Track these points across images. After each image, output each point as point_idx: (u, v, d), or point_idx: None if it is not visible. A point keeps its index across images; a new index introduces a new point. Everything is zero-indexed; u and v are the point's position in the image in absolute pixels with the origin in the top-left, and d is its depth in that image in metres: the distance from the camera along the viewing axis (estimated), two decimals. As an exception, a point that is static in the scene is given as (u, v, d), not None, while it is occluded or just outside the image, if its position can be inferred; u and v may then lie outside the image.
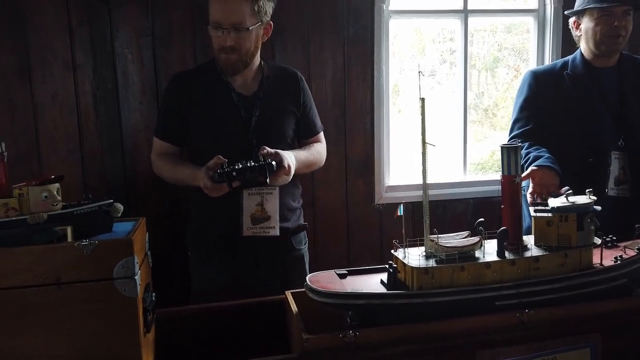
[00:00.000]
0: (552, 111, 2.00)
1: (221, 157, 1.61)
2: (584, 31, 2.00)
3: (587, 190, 1.38)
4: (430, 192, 2.66)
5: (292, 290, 1.42)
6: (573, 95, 1.98)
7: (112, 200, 1.22)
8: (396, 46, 2.67)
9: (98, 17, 2.22)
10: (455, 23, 2.67)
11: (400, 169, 2.72)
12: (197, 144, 1.85)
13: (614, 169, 1.91)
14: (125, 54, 2.27)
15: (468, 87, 2.70)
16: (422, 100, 1.34)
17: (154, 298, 1.25)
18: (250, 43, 1.76)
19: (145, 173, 2.30)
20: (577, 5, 2.01)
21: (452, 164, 2.77)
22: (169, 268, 2.20)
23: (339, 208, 2.56)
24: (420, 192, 2.67)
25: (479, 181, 2.72)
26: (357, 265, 2.55)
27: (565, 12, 2.09)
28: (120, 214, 1.22)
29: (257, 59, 1.86)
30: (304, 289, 1.31)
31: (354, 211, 2.57)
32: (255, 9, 1.73)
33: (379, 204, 2.59)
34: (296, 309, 1.32)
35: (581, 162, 1.96)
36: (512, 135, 2.05)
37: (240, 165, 1.57)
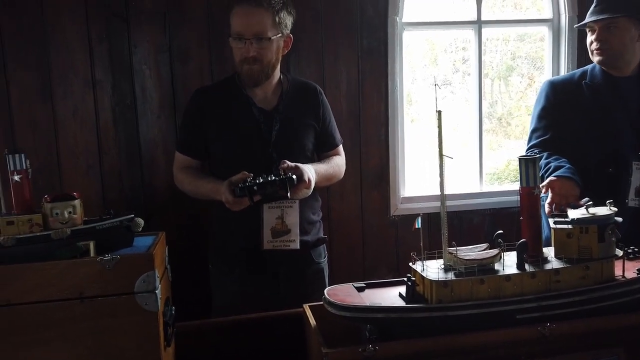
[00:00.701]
0: (570, 121, 1.99)
1: (246, 172, 1.63)
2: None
3: (607, 201, 1.37)
4: (447, 203, 2.66)
5: (310, 304, 1.42)
6: (592, 105, 1.97)
7: (133, 215, 1.24)
8: (408, 55, 2.69)
9: (117, 33, 2.28)
10: (469, 34, 2.67)
11: (415, 179, 2.72)
12: (219, 158, 1.87)
13: (635, 179, 1.89)
14: (144, 69, 2.32)
15: (482, 97, 2.70)
16: (439, 112, 1.34)
17: (173, 312, 1.26)
18: (272, 54, 1.79)
19: (164, 187, 2.33)
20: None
21: (468, 175, 2.75)
22: (189, 281, 2.22)
23: (355, 219, 2.56)
24: (437, 203, 2.68)
25: (496, 192, 2.70)
26: (373, 276, 2.56)
27: (575, 26, 2.11)
28: (140, 229, 1.23)
29: (278, 72, 1.88)
30: (322, 302, 1.31)
31: (369, 223, 2.57)
32: (277, 20, 1.76)
33: (394, 216, 2.58)
34: (315, 322, 1.32)
35: (601, 173, 1.93)
36: (530, 145, 2.04)
37: (262, 180, 1.58)
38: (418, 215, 1.41)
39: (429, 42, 3.01)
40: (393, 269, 2.60)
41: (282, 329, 1.49)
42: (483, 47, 2.66)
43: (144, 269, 1.10)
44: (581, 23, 2.04)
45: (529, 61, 3.08)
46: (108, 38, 2.27)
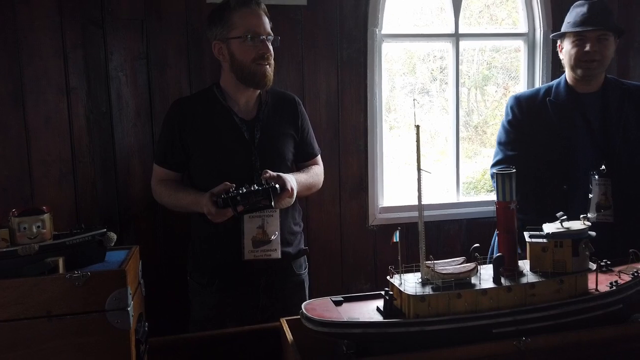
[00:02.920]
0: (534, 137, 2.02)
1: (228, 183, 1.61)
2: (564, 54, 2.03)
3: (581, 215, 1.39)
4: (425, 213, 2.68)
5: (287, 318, 1.41)
6: (555, 122, 1.99)
7: (105, 230, 1.20)
8: (387, 64, 2.71)
9: (93, 40, 2.23)
10: (447, 46, 2.71)
11: (394, 188, 2.73)
12: (200, 169, 1.84)
13: (595, 194, 1.91)
14: (120, 76, 2.27)
15: (459, 108, 2.73)
16: (417, 127, 1.34)
17: (146, 328, 1.23)
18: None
19: (140, 197, 2.29)
20: (558, 33, 2.06)
21: (445, 185, 2.78)
22: (166, 294, 2.19)
23: (333, 229, 2.55)
24: (415, 213, 2.68)
25: (472, 202, 2.73)
26: (352, 287, 2.55)
27: (551, 36, 2.13)
28: (113, 244, 1.20)
29: None
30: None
31: (348, 232, 2.56)
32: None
33: (373, 225, 2.58)
34: (292, 337, 1.30)
35: (560, 189, 1.96)
36: (497, 159, 2.08)
37: (245, 190, 1.57)
38: (397, 228, 1.41)
39: (406, 51, 3.03)
40: (371, 279, 2.60)
41: (260, 343, 1.47)
42: (460, 57, 2.69)
43: (116, 285, 1.07)
44: (578, 30, 1.96)
45: (504, 71, 3.13)
46: (83, 44, 2.23)
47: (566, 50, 2.01)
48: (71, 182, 2.25)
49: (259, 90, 1.86)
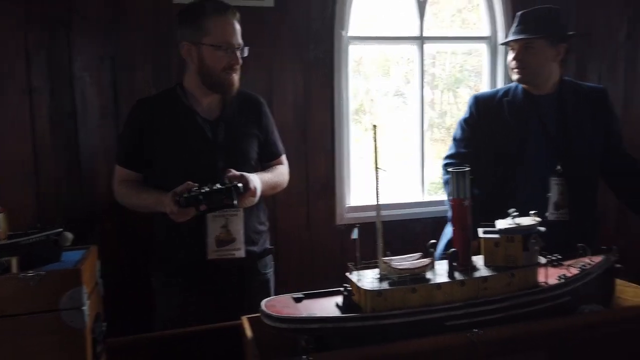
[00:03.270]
0: (490, 136, 2.09)
1: (191, 182, 1.61)
2: None
3: (531, 212, 1.44)
4: (390, 212, 2.74)
5: (248, 316, 1.42)
6: (511, 122, 2.06)
7: (61, 230, 1.20)
8: (362, 66, 2.75)
9: (57, 40, 2.21)
10: (413, 49, 2.76)
11: (364, 188, 2.77)
12: (163, 170, 1.83)
13: (554, 194, 1.99)
14: (84, 77, 2.26)
15: (431, 107, 2.79)
16: (374, 127, 1.38)
17: (104, 328, 1.23)
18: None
19: (104, 198, 2.27)
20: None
21: (413, 184, 2.83)
22: (130, 294, 2.17)
23: (301, 229, 2.58)
24: (382, 212, 2.73)
25: (437, 201, 2.79)
26: (320, 286, 2.57)
27: (500, 44, 2.22)
28: (69, 243, 1.20)
29: None
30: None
31: (315, 232, 2.59)
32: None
33: (340, 225, 2.62)
34: (251, 334, 1.32)
35: (510, 187, 2.03)
36: (448, 154, 2.15)
37: (207, 189, 1.57)
38: (355, 226, 1.44)
39: (382, 53, 3.08)
40: (340, 278, 2.62)
41: (222, 342, 1.48)
42: (432, 60, 2.76)
43: (71, 285, 1.07)
44: (503, 42, 2.17)
45: (475, 74, 3.21)
46: (47, 44, 2.20)
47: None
48: (34, 183, 2.22)
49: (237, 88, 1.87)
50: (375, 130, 1.38)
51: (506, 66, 2.74)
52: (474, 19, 3.04)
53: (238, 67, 1.81)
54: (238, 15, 1.81)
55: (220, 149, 1.81)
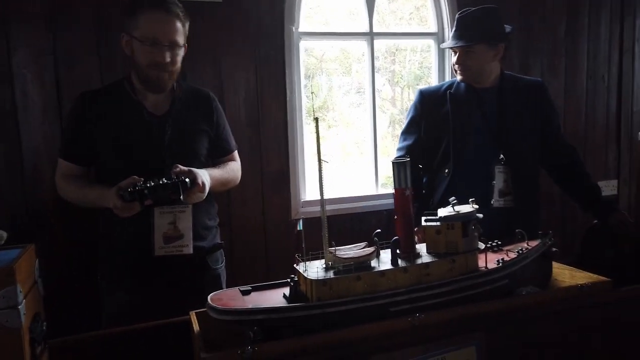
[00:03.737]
0: (435, 129, 2.16)
1: (136, 177, 1.59)
2: None
3: (470, 199, 1.50)
4: (345, 205, 2.77)
5: (196, 310, 1.42)
6: (455, 115, 2.14)
7: (-5, 228, 1.16)
8: (324, 63, 2.78)
9: (-7, 35, 2.13)
10: (363, 45, 2.80)
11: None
12: (108, 165, 1.80)
13: (498, 181, 2.07)
14: (24, 73, 2.18)
15: (392, 104, 2.84)
16: (316, 119, 1.40)
17: (44, 327, 1.20)
18: (180, 61, 1.78)
19: (49, 198, 2.20)
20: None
21: (368, 178, 2.88)
22: (74, 294, 2.12)
23: (256, 224, 2.58)
24: (337, 205, 2.77)
25: (390, 193, 2.83)
26: (275, 280, 2.58)
27: (441, 46, 2.28)
28: (3, 242, 1.16)
29: None
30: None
31: (271, 227, 2.60)
32: (184, 29, 1.77)
33: (295, 219, 2.63)
34: (198, 328, 1.32)
35: (451, 176, 2.11)
36: (398, 147, 2.22)
37: (153, 183, 1.55)
38: (300, 218, 1.46)
39: (343, 51, 3.11)
40: (294, 271, 2.64)
41: (170, 338, 1.47)
42: (393, 57, 2.80)
43: (4, 284, 1.04)
44: (444, 46, 2.27)
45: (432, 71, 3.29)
46: (-17, 40, 2.12)
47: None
48: (-27, 184, 2.13)
49: (168, 87, 1.84)
50: (317, 123, 1.41)
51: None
52: (430, 18, 3.11)
53: (167, 65, 1.73)
54: (178, 12, 1.73)
55: (167, 146, 1.78)
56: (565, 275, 1.62)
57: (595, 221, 2.18)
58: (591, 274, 1.56)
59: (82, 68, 2.24)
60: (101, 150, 1.78)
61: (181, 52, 1.78)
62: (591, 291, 1.48)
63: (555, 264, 1.64)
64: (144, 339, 1.44)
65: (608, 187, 3.35)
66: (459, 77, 2.17)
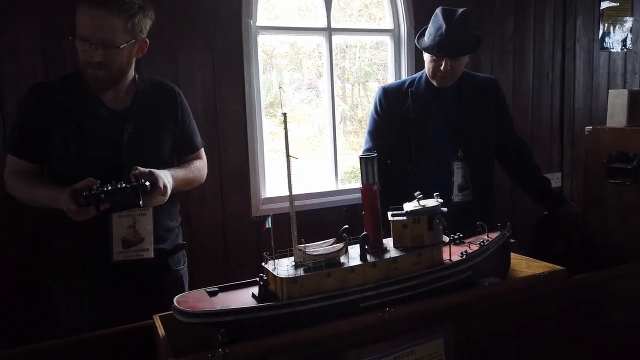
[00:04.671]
0: (398, 126, 2.18)
1: (92, 179, 1.49)
2: (425, 60, 2.18)
3: (435, 194, 1.53)
4: (305, 201, 2.77)
5: (161, 314, 1.36)
6: (416, 112, 2.17)
7: None
8: (275, 59, 2.74)
9: None
10: (321, 40, 2.79)
11: (280, 180, 2.76)
12: (61, 164, 1.68)
13: (457, 177, 2.13)
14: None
15: (343, 100, 2.84)
16: (284, 115, 1.38)
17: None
18: (122, 60, 1.65)
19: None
20: (422, 39, 2.16)
21: (327, 174, 2.88)
22: (26, 301, 2.00)
23: (216, 223, 2.52)
24: (298, 202, 2.75)
25: (350, 189, 2.86)
26: (239, 279, 2.54)
27: (416, 43, 2.28)
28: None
29: (131, 74, 1.75)
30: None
31: (231, 225, 2.55)
32: (129, 26, 1.62)
33: (256, 217, 2.59)
34: (164, 332, 1.27)
35: (416, 173, 2.15)
36: (364, 148, 2.24)
37: (110, 187, 1.46)
38: (269, 215, 1.43)
39: (293, 47, 3.08)
40: (257, 269, 2.60)
41: (132, 344, 1.40)
42: (343, 54, 2.80)
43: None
44: (433, 52, 2.06)
45: (383, 68, 3.33)
46: None
47: (426, 59, 2.16)
48: None
49: (128, 80, 1.75)
50: (285, 119, 1.38)
51: (411, 58, 2.88)
52: (380, 15, 3.15)
53: (98, 64, 1.60)
54: (115, 7, 1.58)
55: (127, 144, 1.69)
56: (522, 265, 1.69)
57: (546, 212, 2.29)
58: (547, 264, 1.63)
59: (26, 62, 2.11)
60: (54, 147, 1.67)
61: (120, 52, 1.63)
62: (548, 280, 1.55)
63: (512, 255, 1.71)
64: (104, 347, 1.38)
65: (553, 180, 3.53)
66: (438, 83, 2.14)
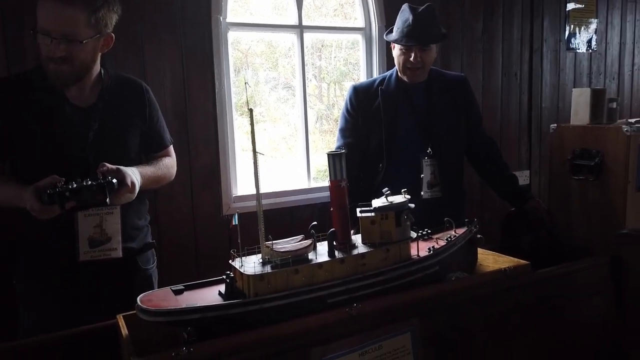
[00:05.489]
0: (369, 124, 2.20)
1: (57, 176, 1.45)
2: (394, 56, 2.20)
3: (402, 190, 1.54)
4: (278, 199, 2.75)
5: (124, 314, 1.34)
6: (385, 110, 2.18)
7: None
8: (250, 57, 2.72)
9: None
10: (293, 38, 2.78)
11: (251, 178, 2.74)
12: (24, 162, 1.63)
13: (426, 174, 2.15)
14: None
15: (319, 99, 2.84)
16: (251, 110, 1.36)
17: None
18: (86, 55, 1.60)
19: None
20: (390, 34, 2.19)
21: (299, 172, 2.87)
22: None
23: (186, 221, 2.49)
24: (270, 200, 2.73)
25: (324, 187, 2.86)
26: (209, 278, 2.52)
27: (385, 38, 2.30)
28: None
29: (96, 69, 1.70)
30: (136, 311, 1.24)
31: (201, 224, 2.52)
32: (93, 20, 1.57)
33: (227, 215, 2.57)
34: (127, 332, 1.24)
35: (385, 170, 2.16)
36: (335, 146, 2.24)
37: (75, 185, 1.42)
38: (236, 212, 1.42)
39: (269, 45, 3.06)
40: (229, 268, 2.58)
41: (97, 345, 1.37)
42: (319, 53, 2.80)
43: None
44: (403, 43, 2.08)
45: (359, 67, 3.34)
46: None
47: (395, 54, 2.19)
48: None
49: (93, 75, 1.71)
50: (251, 114, 1.37)
51: (382, 56, 2.90)
52: (355, 14, 3.16)
53: (61, 59, 1.55)
54: (78, 2, 1.53)
55: (92, 141, 1.65)
56: (490, 260, 1.72)
57: (513, 208, 2.33)
58: (512, 258, 1.66)
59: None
60: (16, 144, 1.62)
61: (84, 47, 1.58)
62: (513, 274, 1.57)
63: (479, 250, 1.73)
64: (67, 347, 1.34)
65: (521, 178, 3.61)
66: (410, 76, 2.16)
